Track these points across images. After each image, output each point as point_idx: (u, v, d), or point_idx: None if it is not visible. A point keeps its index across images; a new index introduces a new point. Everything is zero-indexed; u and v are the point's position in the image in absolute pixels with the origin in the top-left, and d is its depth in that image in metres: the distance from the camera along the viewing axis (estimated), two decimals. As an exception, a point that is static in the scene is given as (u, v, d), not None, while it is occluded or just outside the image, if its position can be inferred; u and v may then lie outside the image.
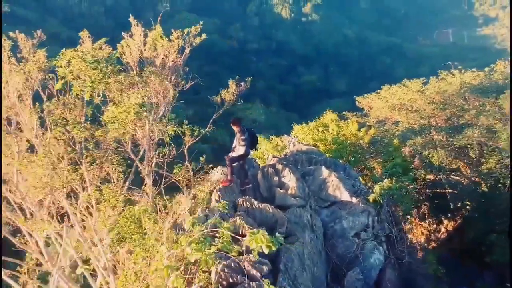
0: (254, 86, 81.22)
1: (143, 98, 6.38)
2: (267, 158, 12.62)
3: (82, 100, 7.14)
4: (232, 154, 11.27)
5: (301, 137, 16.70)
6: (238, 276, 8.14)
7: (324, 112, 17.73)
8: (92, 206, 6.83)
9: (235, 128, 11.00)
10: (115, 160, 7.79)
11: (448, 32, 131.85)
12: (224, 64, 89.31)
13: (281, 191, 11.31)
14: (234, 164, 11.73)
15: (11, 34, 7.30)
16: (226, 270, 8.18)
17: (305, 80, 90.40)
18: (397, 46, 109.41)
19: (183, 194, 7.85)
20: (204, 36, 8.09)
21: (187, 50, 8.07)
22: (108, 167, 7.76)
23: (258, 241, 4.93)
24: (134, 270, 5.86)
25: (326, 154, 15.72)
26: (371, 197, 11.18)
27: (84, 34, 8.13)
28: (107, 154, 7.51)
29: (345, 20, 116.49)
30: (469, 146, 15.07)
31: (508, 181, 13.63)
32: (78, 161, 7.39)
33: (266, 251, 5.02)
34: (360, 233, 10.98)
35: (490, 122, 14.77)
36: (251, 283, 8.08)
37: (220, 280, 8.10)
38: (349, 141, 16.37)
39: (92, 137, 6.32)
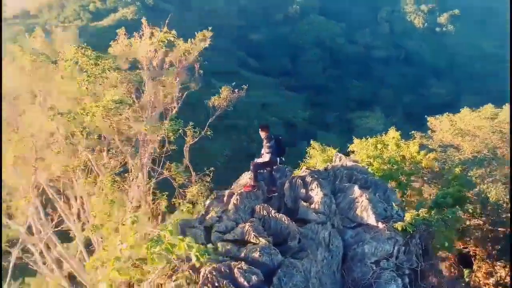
0: (377, 94, 78.35)
1: (123, 96, 6.75)
2: (300, 169, 12.40)
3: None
4: (257, 160, 11.31)
5: (357, 151, 16.07)
6: (225, 281, 8.17)
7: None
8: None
9: (262, 134, 11.03)
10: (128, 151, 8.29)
11: None
12: (348, 69, 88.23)
13: (305, 204, 11.05)
14: (264, 171, 11.75)
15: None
16: (214, 273, 8.27)
17: (433, 92, 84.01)
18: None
19: (178, 192, 8.07)
20: (208, 41, 8.28)
21: (196, 53, 8.31)
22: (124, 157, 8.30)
23: (181, 248, 4.93)
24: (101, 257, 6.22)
25: (377, 173, 14.96)
26: (398, 225, 10.41)
27: (121, 31, 8.74)
28: (121, 145, 7.99)
29: (484, 34, 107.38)
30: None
31: None
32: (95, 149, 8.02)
33: (194, 259, 5.02)
34: (381, 260, 10.29)
35: None
36: (235, 290, 8.09)
37: (206, 282, 8.21)
38: (406, 163, 15.36)
39: (81, 126, 6.79)
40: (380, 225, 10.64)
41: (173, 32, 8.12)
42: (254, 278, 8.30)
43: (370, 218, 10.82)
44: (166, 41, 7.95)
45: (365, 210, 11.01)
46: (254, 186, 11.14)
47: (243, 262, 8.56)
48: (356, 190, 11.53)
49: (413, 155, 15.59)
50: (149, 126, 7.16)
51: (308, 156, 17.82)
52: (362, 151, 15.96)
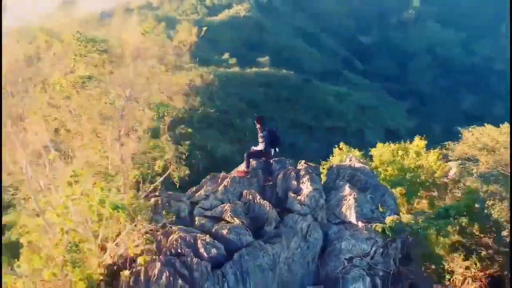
0: (490, 108, 73.39)
1: (96, 73, 7.75)
2: (299, 163, 12.82)
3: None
4: (253, 148, 12.03)
5: (375, 156, 16.10)
6: (187, 249, 9.05)
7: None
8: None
9: (257, 125, 11.72)
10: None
11: None
12: (461, 80, 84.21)
13: (293, 195, 11.54)
14: (261, 159, 12.40)
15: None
16: (179, 241, 9.17)
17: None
18: None
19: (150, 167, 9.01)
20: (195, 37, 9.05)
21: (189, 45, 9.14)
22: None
23: (94, 200, 5.81)
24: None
25: (389, 179, 14.94)
26: (378, 226, 10.57)
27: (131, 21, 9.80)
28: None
29: None
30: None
31: None
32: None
33: (107, 213, 5.88)
34: (355, 258, 10.54)
35: None
36: (194, 258, 8.92)
37: (171, 247, 9.14)
38: (423, 172, 15.12)
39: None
40: (360, 224, 10.88)
41: (161, 24, 9.04)
42: (213, 251, 9.06)
43: (352, 216, 11.10)
44: (150, 32, 8.84)
45: (349, 208, 11.28)
46: (247, 172, 11.86)
47: (207, 235, 9.36)
48: (346, 189, 11.82)
49: (430, 164, 15.28)
50: (110, 104, 8.09)
51: (332, 155, 18.06)
52: (377, 156, 15.97)
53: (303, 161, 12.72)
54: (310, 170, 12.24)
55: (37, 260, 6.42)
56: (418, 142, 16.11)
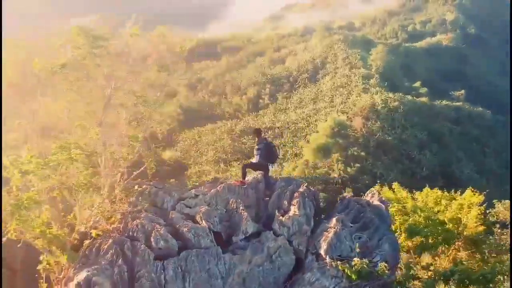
0: None
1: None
2: (302, 184, 12.60)
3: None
4: (250, 160, 12.35)
5: (420, 198, 14.84)
6: (141, 235, 10.03)
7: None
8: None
9: (255, 138, 12.04)
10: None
11: None
12: None
13: (278, 214, 11.62)
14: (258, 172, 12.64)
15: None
16: (138, 226, 10.19)
17: None
18: None
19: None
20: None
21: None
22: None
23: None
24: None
25: (412, 225, 13.73)
26: (342, 266, 10.09)
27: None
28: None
29: None
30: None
31: None
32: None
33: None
34: (312, 291, 10.24)
35: None
36: (142, 245, 9.83)
37: (130, 230, 10.22)
38: (460, 227, 13.45)
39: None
40: (328, 259, 10.50)
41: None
42: (162, 243, 9.86)
43: (322, 249, 10.76)
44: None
45: (325, 240, 10.94)
46: (242, 182, 12.27)
47: (163, 228, 10.17)
48: (333, 221, 11.45)
49: (468, 221, 13.46)
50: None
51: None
52: (417, 200, 14.67)
53: (305, 184, 12.60)
54: (306, 194, 12.11)
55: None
56: (468, 196, 14.31)
